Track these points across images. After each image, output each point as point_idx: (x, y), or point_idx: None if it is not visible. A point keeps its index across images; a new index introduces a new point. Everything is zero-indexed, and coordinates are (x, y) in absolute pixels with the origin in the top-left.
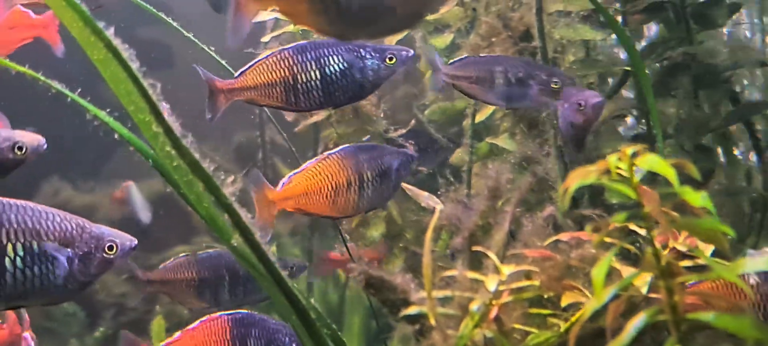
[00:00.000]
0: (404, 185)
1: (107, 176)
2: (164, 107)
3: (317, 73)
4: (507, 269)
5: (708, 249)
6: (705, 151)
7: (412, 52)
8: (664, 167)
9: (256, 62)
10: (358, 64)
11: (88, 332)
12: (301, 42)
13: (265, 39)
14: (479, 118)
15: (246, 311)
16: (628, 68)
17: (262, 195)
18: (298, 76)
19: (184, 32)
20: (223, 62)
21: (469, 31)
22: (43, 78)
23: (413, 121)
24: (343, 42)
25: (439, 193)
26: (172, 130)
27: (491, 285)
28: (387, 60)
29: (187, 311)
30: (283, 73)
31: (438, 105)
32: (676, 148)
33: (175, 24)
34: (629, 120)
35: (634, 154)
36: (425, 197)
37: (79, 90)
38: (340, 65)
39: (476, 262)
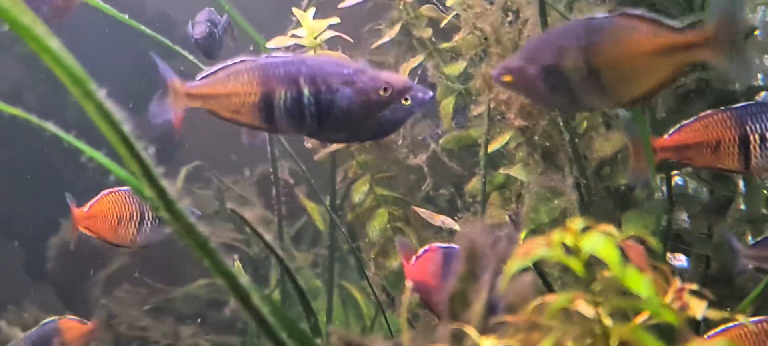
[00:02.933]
0: (418, 209)
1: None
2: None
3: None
4: (487, 343)
5: None
6: (722, 179)
7: (431, 93)
8: (608, 250)
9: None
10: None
11: None
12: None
13: None
14: (492, 147)
15: None
16: None
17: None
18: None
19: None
20: None
21: (483, 60)
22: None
23: (432, 146)
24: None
25: (456, 217)
26: (165, 194)
27: None
28: (403, 100)
29: None
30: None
31: (452, 134)
32: (693, 177)
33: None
34: None
35: (585, 229)
36: (440, 220)
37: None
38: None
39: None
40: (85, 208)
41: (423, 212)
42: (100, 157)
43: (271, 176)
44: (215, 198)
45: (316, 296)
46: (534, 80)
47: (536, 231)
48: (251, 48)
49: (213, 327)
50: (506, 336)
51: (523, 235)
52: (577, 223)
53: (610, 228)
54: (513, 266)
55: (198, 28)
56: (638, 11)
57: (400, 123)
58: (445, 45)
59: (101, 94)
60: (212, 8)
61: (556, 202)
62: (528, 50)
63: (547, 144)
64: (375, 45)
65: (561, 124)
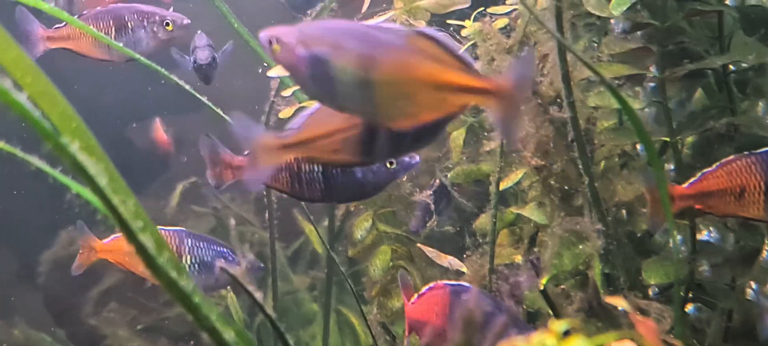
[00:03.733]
0: (424, 247)
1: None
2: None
3: None
4: None
5: None
6: (749, 227)
7: (417, 158)
8: None
9: None
10: None
11: None
12: None
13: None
14: (504, 184)
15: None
16: (667, 139)
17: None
18: None
19: None
20: None
21: None
22: None
23: (437, 181)
24: None
25: (464, 256)
26: (145, 249)
27: None
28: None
29: None
30: None
31: (461, 168)
32: (720, 226)
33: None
34: None
35: (566, 333)
36: (447, 261)
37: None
38: None
39: None
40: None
41: (429, 251)
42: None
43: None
44: (213, 216)
45: (312, 321)
46: (299, 63)
47: (558, 277)
48: (260, 70)
49: None
50: None
51: (544, 280)
52: (560, 324)
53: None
54: None
55: (201, 53)
56: (440, 35)
57: (382, 186)
58: None
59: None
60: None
61: (580, 247)
62: (307, 31)
63: (565, 187)
64: None
65: (580, 166)
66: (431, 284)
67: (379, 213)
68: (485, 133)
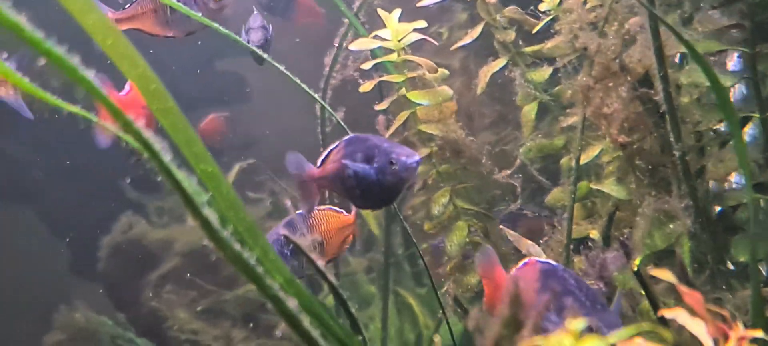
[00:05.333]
0: (507, 230)
1: (178, 210)
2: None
3: None
4: None
5: None
6: None
7: (417, 157)
8: None
9: None
10: None
11: None
12: None
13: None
14: (585, 158)
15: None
16: (756, 115)
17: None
18: None
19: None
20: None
21: (576, 69)
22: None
23: (518, 161)
24: None
25: (541, 240)
26: (209, 224)
27: None
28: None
29: None
30: None
31: (535, 142)
32: None
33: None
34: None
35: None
36: (528, 246)
37: None
38: None
39: None
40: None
41: (511, 234)
42: None
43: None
44: (269, 199)
45: (370, 303)
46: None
47: (650, 257)
48: None
49: (264, 331)
50: None
51: (637, 261)
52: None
53: None
54: None
55: (255, 35)
56: None
57: (397, 184)
58: (528, 49)
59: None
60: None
61: (671, 226)
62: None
63: (649, 166)
64: (455, 47)
65: (672, 141)
66: (525, 260)
67: (457, 189)
68: (564, 109)
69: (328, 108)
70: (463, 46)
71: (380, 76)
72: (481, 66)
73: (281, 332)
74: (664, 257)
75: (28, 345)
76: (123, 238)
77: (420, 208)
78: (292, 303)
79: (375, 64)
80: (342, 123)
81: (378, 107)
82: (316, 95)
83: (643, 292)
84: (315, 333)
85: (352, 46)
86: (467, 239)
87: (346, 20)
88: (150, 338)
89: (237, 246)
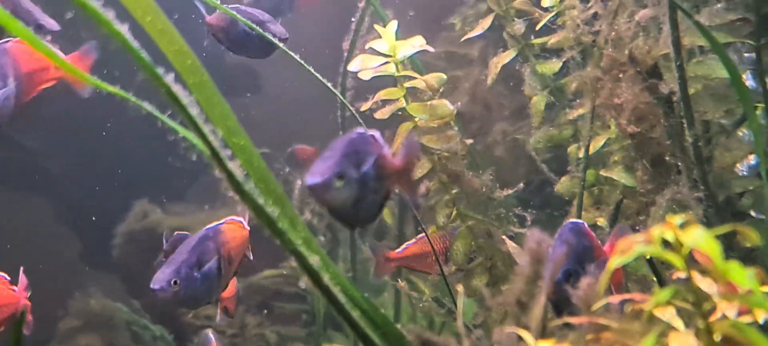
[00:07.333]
0: (508, 242)
1: (192, 198)
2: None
3: None
4: None
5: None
6: None
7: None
8: (709, 243)
9: None
10: None
11: None
12: None
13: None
14: (594, 147)
15: None
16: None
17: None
18: None
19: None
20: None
21: (584, 60)
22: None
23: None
24: None
25: None
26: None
27: None
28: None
29: None
30: None
31: (543, 132)
32: None
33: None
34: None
35: (682, 225)
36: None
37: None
38: None
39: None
40: None
41: (512, 246)
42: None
43: None
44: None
45: (382, 290)
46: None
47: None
48: None
49: (278, 318)
50: (566, 340)
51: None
52: (676, 218)
53: None
54: (614, 262)
55: (276, 27)
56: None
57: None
58: (536, 41)
59: None
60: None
61: (682, 216)
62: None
63: (657, 155)
64: (465, 38)
65: (685, 130)
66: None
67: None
68: (569, 100)
69: (343, 99)
70: (481, 35)
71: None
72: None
73: (304, 285)
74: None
75: (43, 332)
76: (138, 225)
77: (433, 195)
78: (313, 259)
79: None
80: (356, 115)
81: (363, 108)
82: (335, 90)
83: (655, 279)
84: (335, 289)
85: (351, 67)
86: (473, 245)
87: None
88: (164, 325)
89: (260, 200)
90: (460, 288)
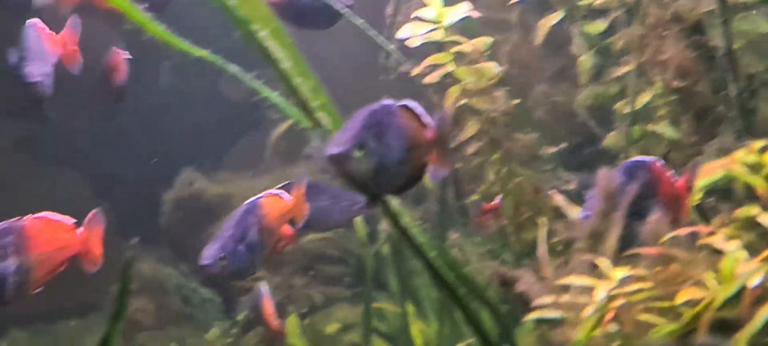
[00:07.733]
0: (556, 196)
1: (231, 165)
2: None
3: None
4: (619, 273)
5: None
6: None
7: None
8: None
9: None
10: None
11: (225, 317)
12: None
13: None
14: (640, 103)
15: None
16: None
17: None
18: None
19: None
20: None
21: (629, 20)
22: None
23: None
24: None
25: None
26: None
27: (601, 293)
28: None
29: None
30: None
31: (590, 90)
32: None
33: None
34: None
35: (763, 149)
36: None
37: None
38: None
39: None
40: None
41: (560, 200)
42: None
43: None
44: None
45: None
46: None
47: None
48: None
49: (323, 280)
50: (638, 267)
51: (698, 196)
52: (758, 144)
53: None
54: (700, 183)
55: None
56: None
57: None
58: (583, 2)
59: None
60: None
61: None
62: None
63: (702, 108)
64: (512, 2)
65: (730, 83)
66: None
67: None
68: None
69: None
70: (520, 0)
71: None
72: (538, 20)
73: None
74: (722, 194)
75: (95, 297)
76: (184, 193)
77: (472, 158)
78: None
79: None
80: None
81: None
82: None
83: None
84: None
85: (399, 35)
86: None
87: None
88: (212, 289)
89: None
90: (540, 221)
